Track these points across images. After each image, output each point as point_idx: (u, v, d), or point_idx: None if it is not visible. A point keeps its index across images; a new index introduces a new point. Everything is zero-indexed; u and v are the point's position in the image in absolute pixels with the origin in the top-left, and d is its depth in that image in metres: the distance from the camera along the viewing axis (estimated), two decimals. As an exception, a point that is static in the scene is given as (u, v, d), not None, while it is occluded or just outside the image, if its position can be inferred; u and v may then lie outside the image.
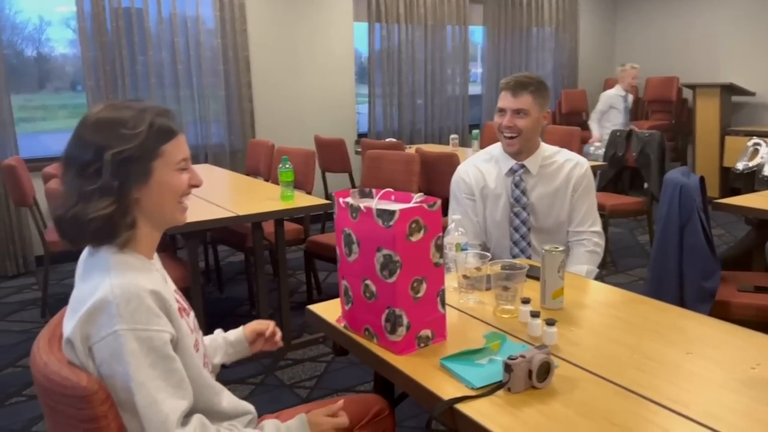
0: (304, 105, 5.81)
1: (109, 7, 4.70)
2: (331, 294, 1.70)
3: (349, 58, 6.04)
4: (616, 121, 5.94)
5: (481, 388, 1.23)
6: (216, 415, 1.28)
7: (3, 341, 3.46)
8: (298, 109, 5.78)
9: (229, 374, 2.84)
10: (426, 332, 1.44)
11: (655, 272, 2.47)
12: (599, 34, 7.86)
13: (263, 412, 1.52)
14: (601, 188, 4.62)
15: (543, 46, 7.27)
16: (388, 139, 5.35)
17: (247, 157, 4.78)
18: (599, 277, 2.47)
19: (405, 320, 1.40)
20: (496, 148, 2.36)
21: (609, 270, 4.38)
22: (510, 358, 1.22)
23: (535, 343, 1.43)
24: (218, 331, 1.58)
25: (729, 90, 6.34)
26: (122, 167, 1.15)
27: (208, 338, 1.53)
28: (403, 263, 1.36)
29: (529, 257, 2.28)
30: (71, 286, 1.17)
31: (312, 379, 2.91)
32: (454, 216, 2.06)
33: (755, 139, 5.03)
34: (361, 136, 6.08)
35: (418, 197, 1.45)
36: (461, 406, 1.18)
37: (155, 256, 1.31)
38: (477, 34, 6.98)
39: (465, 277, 1.72)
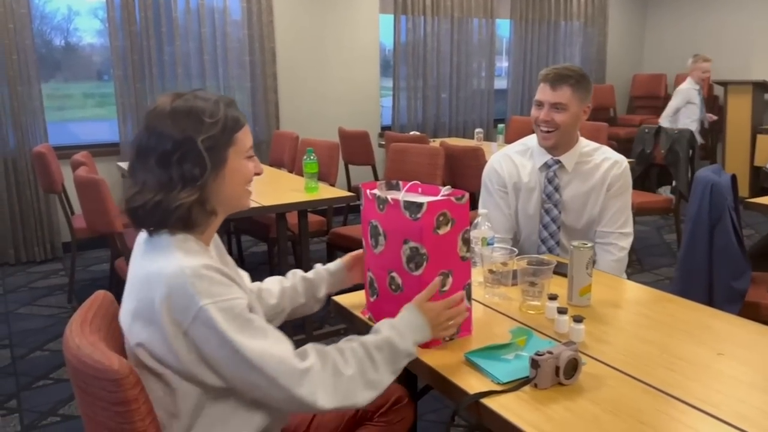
0: (328, 97, 5.82)
1: (138, -3, 4.75)
2: (352, 286, 1.71)
3: (374, 51, 6.03)
4: (694, 116, 5.69)
5: (508, 383, 1.23)
6: None
7: (31, 325, 3.52)
8: (323, 101, 5.79)
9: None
10: (451, 326, 1.43)
11: (683, 271, 2.44)
12: (629, 29, 7.73)
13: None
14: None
15: (571, 41, 7.18)
16: (412, 132, 5.34)
17: (272, 149, 4.80)
18: (625, 275, 2.44)
19: (431, 313, 1.39)
20: (532, 140, 2.28)
21: (634, 268, 4.32)
22: (537, 354, 1.21)
23: (562, 339, 1.42)
24: (318, 265, 1.64)
25: (761, 87, 6.19)
26: (206, 155, 1.19)
27: (311, 272, 1.61)
28: (429, 256, 1.35)
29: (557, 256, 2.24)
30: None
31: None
32: (481, 210, 2.03)
33: (787, 138, 4.92)
34: (384, 129, 6.07)
35: (445, 190, 1.43)
36: (487, 401, 1.17)
37: (215, 236, 1.35)
38: (504, 27, 6.91)
39: (491, 271, 1.71)
